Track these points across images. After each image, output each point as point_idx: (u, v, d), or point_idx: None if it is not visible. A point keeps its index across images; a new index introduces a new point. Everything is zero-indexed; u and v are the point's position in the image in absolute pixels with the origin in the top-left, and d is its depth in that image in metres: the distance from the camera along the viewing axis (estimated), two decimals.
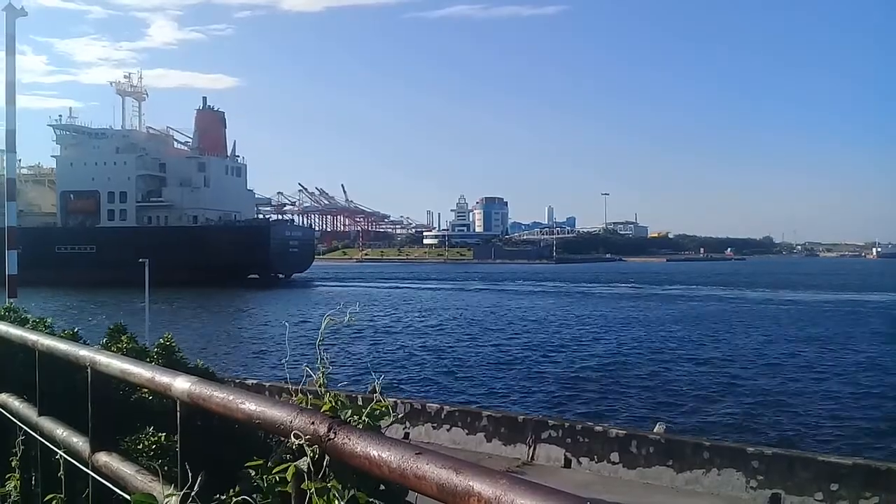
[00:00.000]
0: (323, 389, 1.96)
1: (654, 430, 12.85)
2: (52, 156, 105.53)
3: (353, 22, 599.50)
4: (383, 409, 1.89)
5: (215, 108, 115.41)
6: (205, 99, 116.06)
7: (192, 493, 2.14)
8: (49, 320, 5.90)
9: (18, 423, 3.98)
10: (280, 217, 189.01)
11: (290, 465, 1.77)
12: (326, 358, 2.02)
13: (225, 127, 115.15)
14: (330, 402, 1.89)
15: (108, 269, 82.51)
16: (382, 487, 1.73)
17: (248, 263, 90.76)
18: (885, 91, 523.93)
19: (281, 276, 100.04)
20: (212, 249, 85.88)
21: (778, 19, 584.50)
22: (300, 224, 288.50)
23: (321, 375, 1.99)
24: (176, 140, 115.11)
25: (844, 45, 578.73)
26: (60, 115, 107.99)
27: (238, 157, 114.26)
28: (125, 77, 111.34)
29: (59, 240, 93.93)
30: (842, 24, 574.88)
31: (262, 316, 52.85)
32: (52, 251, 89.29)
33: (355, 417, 1.84)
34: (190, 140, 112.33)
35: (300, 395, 1.98)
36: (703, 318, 51.19)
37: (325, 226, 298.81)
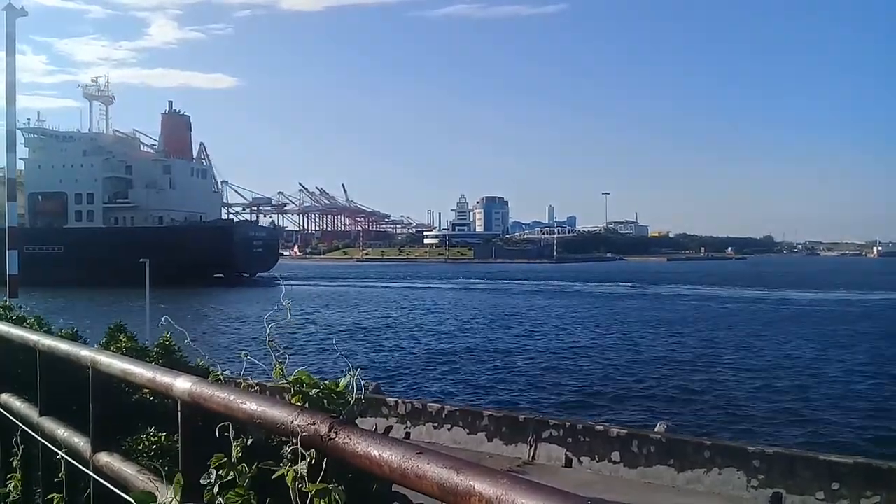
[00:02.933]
0: (284, 380, 2.04)
1: (655, 430, 12.85)
2: (21, 158, 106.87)
3: (353, 21, 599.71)
4: (353, 396, 1.93)
5: (181, 112, 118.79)
6: (170, 103, 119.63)
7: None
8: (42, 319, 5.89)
9: (19, 423, 3.98)
10: (280, 216, 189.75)
11: (290, 469, 1.77)
12: (281, 351, 2.18)
13: (190, 130, 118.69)
14: (297, 394, 1.94)
15: (76, 269, 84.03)
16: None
17: (213, 263, 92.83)
18: (886, 89, 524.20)
19: (245, 275, 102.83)
20: (177, 249, 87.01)
21: (780, 16, 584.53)
22: (301, 223, 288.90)
23: (279, 369, 2.09)
24: (142, 143, 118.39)
25: (845, 43, 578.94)
26: (29, 119, 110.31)
27: (204, 159, 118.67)
28: (92, 81, 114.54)
29: (27, 240, 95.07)
30: (842, 21, 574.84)
31: (241, 314, 52.95)
32: (20, 251, 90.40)
33: (328, 400, 1.90)
34: (156, 143, 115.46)
35: (294, 394, 1.99)
36: (703, 318, 51.19)
37: (325, 225, 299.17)
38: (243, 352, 2.40)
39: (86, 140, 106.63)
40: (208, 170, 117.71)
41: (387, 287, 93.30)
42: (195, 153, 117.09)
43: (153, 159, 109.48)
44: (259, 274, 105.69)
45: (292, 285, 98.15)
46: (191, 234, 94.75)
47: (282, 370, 2.08)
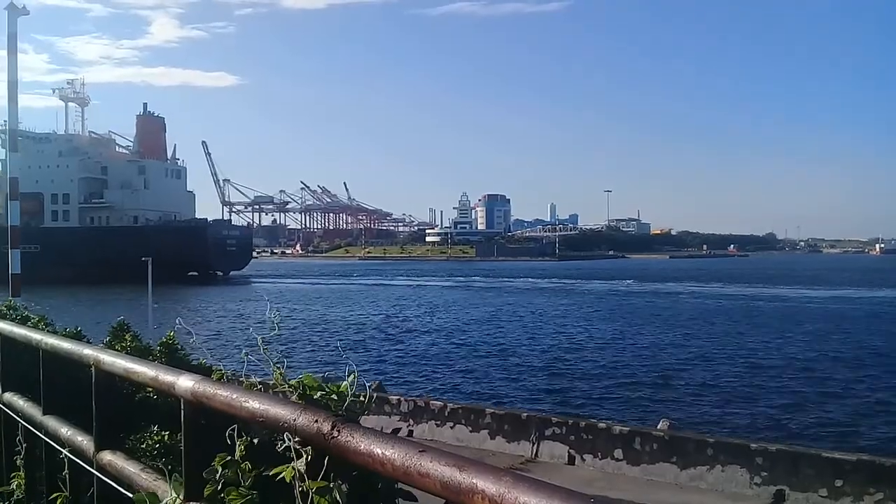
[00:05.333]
0: (285, 384, 2.05)
1: (658, 427, 12.85)
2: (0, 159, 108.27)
3: (354, 19, 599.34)
4: (356, 397, 1.93)
5: (156, 114, 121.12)
6: (145, 105, 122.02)
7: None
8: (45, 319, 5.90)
9: (23, 421, 3.99)
10: (282, 215, 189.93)
11: (289, 467, 1.77)
12: (277, 357, 2.19)
13: (165, 132, 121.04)
14: (301, 398, 1.94)
15: (52, 267, 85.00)
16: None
17: (188, 261, 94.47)
18: (891, 86, 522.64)
19: (219, 273, 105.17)
20: (152, 248, 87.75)
21: (786, 11, 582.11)
22: (303, 221, 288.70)
23: (277, 371, 2.10)
24: (118, 144, 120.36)
25: (848, 39, 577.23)
26: (5, 120, 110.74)
27: (178, 160, 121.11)
28: (68, 84, 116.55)
29: (3, 239, 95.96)
30: (850, 17, 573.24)
31: (234, 311, 52.95)
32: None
33: (329, 402, 1.90)
34: (131, 144, 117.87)
35: (298, 398, 1.98)
36: (705, 315, 51.14)
37: (327, 224, 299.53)
38: (244, 350, 2.39)
39: (62, 141, 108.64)
40: (182, 170, 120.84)
41: (389, 285, 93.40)
42: (170, 154, 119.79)
43: (128, 160, 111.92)
44: (232, 272, 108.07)
45: (296, 283, 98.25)
46: (165, 233, 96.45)
47: (281, 374, 2.08)
